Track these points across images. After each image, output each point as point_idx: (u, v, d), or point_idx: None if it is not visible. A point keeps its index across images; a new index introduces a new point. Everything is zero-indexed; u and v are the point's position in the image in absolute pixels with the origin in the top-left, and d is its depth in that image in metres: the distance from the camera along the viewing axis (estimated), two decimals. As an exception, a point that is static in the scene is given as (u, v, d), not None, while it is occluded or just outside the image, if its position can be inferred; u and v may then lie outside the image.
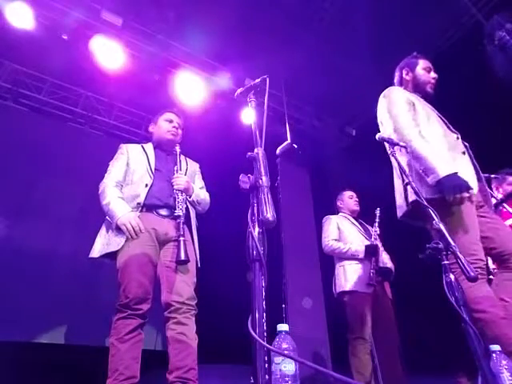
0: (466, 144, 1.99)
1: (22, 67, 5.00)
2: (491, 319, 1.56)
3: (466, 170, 1.84)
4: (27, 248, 4.17)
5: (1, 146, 4.44)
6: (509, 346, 1.49)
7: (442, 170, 1.70)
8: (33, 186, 4.54)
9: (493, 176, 2.85)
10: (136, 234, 1.86)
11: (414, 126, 1.87)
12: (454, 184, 1.66)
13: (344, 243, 2.90)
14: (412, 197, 1.76)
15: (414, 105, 1.99)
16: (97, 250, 1.92)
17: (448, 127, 2.02)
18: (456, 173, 1.70)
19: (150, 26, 4.58)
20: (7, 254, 4.05)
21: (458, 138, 1.98)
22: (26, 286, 3.99)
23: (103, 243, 1.93)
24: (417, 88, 2.14)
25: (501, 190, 2.89)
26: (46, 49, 4.32)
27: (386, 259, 2.93)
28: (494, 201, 2.76)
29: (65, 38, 4.26)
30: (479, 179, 1.92)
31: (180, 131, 2.29)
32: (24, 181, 4.53)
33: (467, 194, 1.66)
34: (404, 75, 2.19)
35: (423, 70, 2.17)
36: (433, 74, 2.16)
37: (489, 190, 2.69)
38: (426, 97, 2.13)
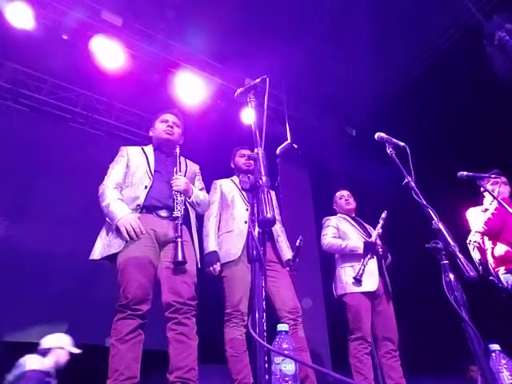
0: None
1: (22, 67, 4.99)
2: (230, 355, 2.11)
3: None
4: (27, 248, 4.16)
5: (1, 145, 4.43)
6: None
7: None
8: (33, 186, 4.53)
9: (493, 176, 2.84)
10: (136, 236, 1.85)
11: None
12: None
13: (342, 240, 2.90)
14: None
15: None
16: (97, 252, 1.91)
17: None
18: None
19: (150, 26, 4.58)
20: (7, 254, 4.04)
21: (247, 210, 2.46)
22: (26, 286, 3.98)
23: (104, 245, 1.92)
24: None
25: (497, 190, 2.87)
26: (46, 49, 4.31)
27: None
28: (491, 198, 2.78)
29: (65, 37, 4.26)
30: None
31: (177, 130, 2.28)
32: (24, 181, 4.53)
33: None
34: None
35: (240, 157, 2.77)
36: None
37: (487, 188, 2.72)
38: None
